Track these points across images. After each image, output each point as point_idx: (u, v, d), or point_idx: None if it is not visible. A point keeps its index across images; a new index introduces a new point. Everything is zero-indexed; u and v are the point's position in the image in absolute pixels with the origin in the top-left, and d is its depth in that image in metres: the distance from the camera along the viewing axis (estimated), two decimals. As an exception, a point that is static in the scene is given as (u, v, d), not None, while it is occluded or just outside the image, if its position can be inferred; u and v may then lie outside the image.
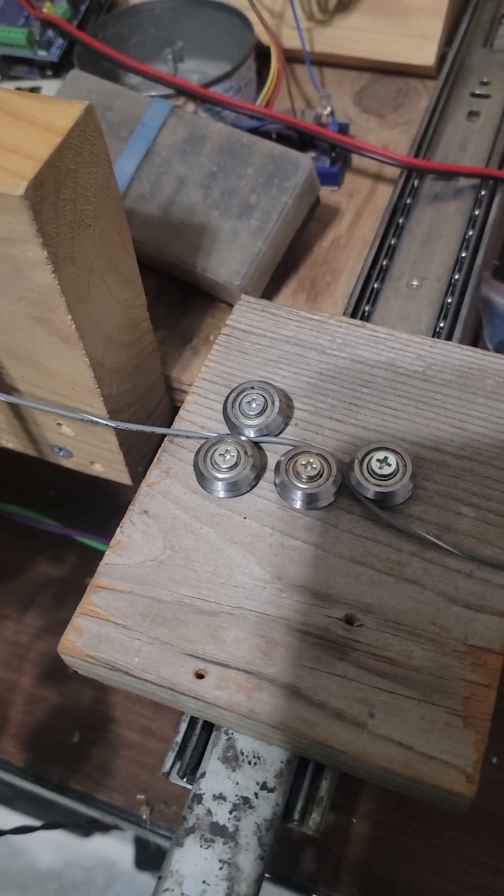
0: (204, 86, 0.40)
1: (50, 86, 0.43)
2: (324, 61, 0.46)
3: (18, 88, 0.43)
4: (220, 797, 0.23)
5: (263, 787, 0.23)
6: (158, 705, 0.39)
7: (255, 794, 0.23)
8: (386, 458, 0.26)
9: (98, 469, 0.35)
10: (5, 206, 0.22)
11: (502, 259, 0.48)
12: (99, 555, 0.42)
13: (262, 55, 0.45)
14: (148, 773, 0.37)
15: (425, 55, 0.44)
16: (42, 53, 0.43)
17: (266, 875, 0.33)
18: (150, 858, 0.98)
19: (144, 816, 0.36)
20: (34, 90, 0.43)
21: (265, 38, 0.44)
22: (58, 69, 0.44)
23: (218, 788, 0.23)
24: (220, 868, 0.22)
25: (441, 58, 0.44)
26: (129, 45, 0.46)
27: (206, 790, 0.23)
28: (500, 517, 0.26)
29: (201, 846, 0.23)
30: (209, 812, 0.23)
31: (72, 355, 0.27)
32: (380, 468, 0.26)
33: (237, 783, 0.24)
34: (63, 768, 0.38)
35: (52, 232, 0.23)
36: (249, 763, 0.24)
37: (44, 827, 0.76)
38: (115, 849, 1.07)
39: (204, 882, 0.22)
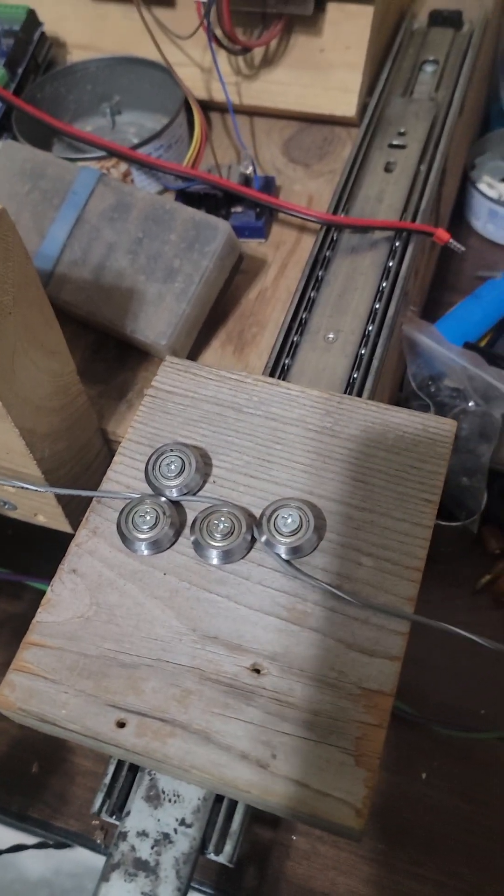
0: (133, 147, 0.42)
1: (-10, 147, 0.45)
2: (253, 112, 0.49)
3: (-41, 151, 0.45)
4: (143, 833, 0.26)
5: (182, 822, 0.26)
6: (110, 735, 0.41)
7: (175, 830, 0.26)
8: (290, 515, 0.28)
9: (41, 520, 0.37)
10: None
11: (425, 303, 0.51)
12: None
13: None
14: (101, 801, 0.40)
15: (347, 107, 0.46)
16: (-20, 117, 0.45)
17: (207, 890, 0.36)
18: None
19: (98, 840, 0.39)
20: (-26, 151, 0.45)
21: (191, 93, 0.46)
22: (-2, 131, 0.46)
23: (141, 825, 0.26)
24: (142, 899, 0.25)
25: (362, 108, 0.47)
26: (67, 101, 0.48)
27: (131, 828, 0.26)
28: (395, 566, 0.28)
29: (125, 880, 0.25)
30: (133, 848, 0.26)
31: (2, 426, 0.29)
32: (284, 525, 0.28)
33: (158, 820, 0.26)
34: (23, 797, 0.40)
35: (-30, 326, 0.25)
36: (170, 801, 0.26)
37: (37, 846, 0.78)
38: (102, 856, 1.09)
39: (127, 914, 0.24)
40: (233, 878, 0.37)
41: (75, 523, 0.36)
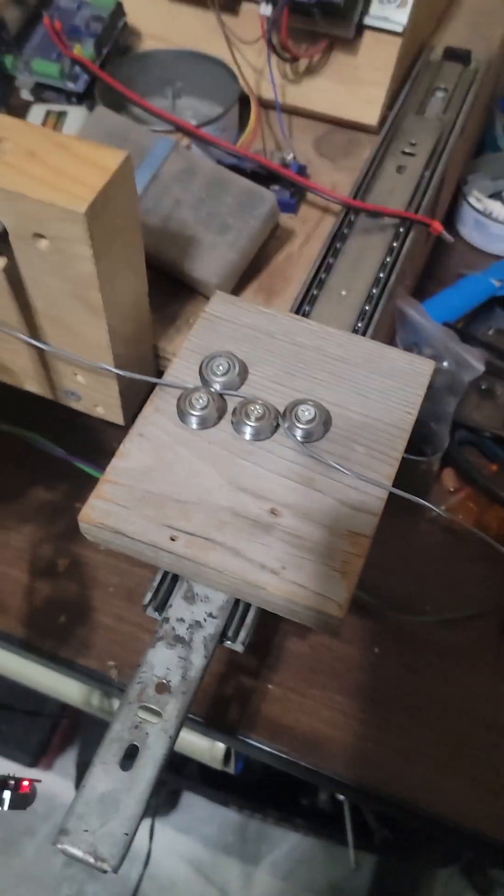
0: (196, 126, 0.51)
1: (75, 110, 0.54)
2: (293, 111, 0.58)
3: (49, 111, 0.54)
4: (181, 620, 0.35)
5: (210, 615, 0.35)
6: (129, 599, 0.51)
7: (204, 619, 0.35)
8: (307, 409, 0.38)
9: (100, 411, 0.46)
10: (70, 217, 0.33)
11: (416, 283, 0.61)
12: (85, 484, 0.54)
13: (245, 98, 0.57)
14: (119, 648, 0.49)
15: (371, 116, 0.56)
16: (70, 85, 0.54)
17: (199, 719, 0.46)
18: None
19: (113, 676, 0.48)
20: (62, 113, 0.54)
21: (248, 89, 0.56)
22: (82, 98, 0.55)
23: (179, 615, 0.35)
24: (179, 661, 0.34)
25: (383, 119, 0.57)
26: (138, 82, 0.58)
27: (172, 616, 0.35)
28: (380, 454, 0.38)
29: (167, 648, 0.35)
30: (174, 628, 0.35)
31: (97, 323, 0.39)
32: (303, 415, 0.38)
33: (192, 612, 0.36)
34: (53, 641, 0.49)
35: (97, 237, 0.34)
36: (201, 601, 0.36)
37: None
38: (58, 783, 1.17)
39: (167, 668, 0.34)
40: (220, 712, 0.47)
41: (127, 416, 0.46)
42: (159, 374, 0.46)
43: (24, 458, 0.55)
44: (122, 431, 0.45)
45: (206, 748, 0.56)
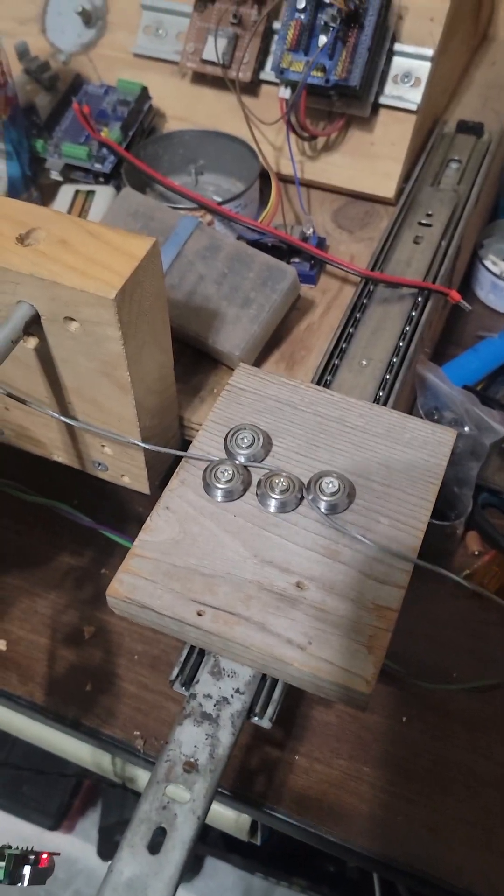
0: (219, 203, 0.53)
1: (103, 189, 0.57)
2: (311, 185, 0.60)
3: (78, 190, 0.57)
4: (208, 696, 0.35)
5: (237, 691, 0.36)
6: (153, 667, 0.51)
7: (231, 695, 0.35)
8: (331, 481, 0.39)
9: (126, 481, 0.47)
10: (100, 303, 0.35)
11: (435, 347, 0.62)
12: (111, 551, 0.55)
13: (265, 174, 0.59)
14: (143, 716, 0.49)
15: (387, 189, 0.58)
16: (98, 166, 0.57)
17: (225, 792, 0.45)
18: (114, 848, 1.07)
19: (139, 747, 0.48)
20: (90, 192, 0.57)
21: (268, 165, 0.58)
22: (109, 177, 0.57)
23: (207, 691, 0.36)
24: (206, 739, 0.34)
25: (399, 191, 0.58)
26: (162, 160, 0.60)
27: (199, 692, 0.35)
28: (404, 525, 0.38)
29: (194, 725, 0.35)
30: (201, 705, 0.35)
31: (124, 399, 0.40)
32: (327, 488, 0.39)
33: (220, 688, 0.36)
34: (77, 709, 0.49)
35: (125, 320, 0.36)
36: (228, 676, 0.36)
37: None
38: (77, 846, 1.15)
39: (195, 746, 0.34)
40: (245, 784, 0.46)
41: (153, 485, 0.46)
42: (185, 443, 0.47)
43: (53, 525, 0.55)
44: (147, 497, 0.46)
45: (232, 819, 0.55)
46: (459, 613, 0.53)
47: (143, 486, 0.47)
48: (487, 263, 0.69)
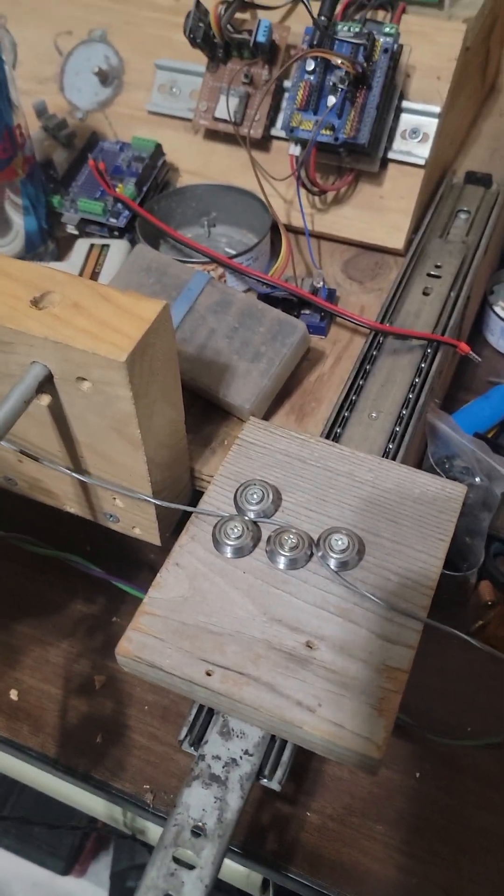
0: (231, 257, 0.54)
1: (117, 244, 0.58)
2: (322, 236, 0.61)
3: (93, 244, 0.58)
4: (216, 757, 0.35)
5: (246, 752, 0.35)
6: (164, 718, 0.50)
7: (241, 757, 0.35)
8: (341, 538, 0.39)
9: (137, 532, 0.47)
10: (111, 366, 0.35)
11: (446, 393, 0.63)
12: (123, 599, 0.55)
13: (276, 227, 0.60)
14: (153, 769, 0.48)
15: (396, 241, 0.59)
16: (112, 220, 0.58)
17: (235, 850, 0.45)
18: (126, 894, 1.05)
19: (149, 801, 0.47)
20: (105, 245, 0.58)
21: (278, 219, 0.59)
22: (123, 232, 0.59)
23: (215, 752, 0.35)
24: (215, 802, 0.34)
25: (409, 242, 0.59)
26: (175, 213, 0.62)
27: (208, 752, 0.35)
28: (414, 583, 0.38)
29: (203, 788, 0.34)
30: (209, 766, 0.35)
31: (135, 455, 0.40)
32: (336, 545, 0.39)
33: (228, 749, 0.35)
34: (87, 761, 0.49)
35: (136, 381, 0.36)
36: (237, 736, 0.36)
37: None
38: (89, 890, 1.14)
39: (203, 810, 0.34)
40: (256, 842, 0.46)
41: (163, 537, 0.47)
42: (196, 494, 0.47)
43: (65, 572, 0.56)
44: (159, 547, 0.47)
45: (243, 875, 0.54)
46: (473, 666, 0.52)
47: (153, 538, 0.47)
48: (497, 310, 0.70)
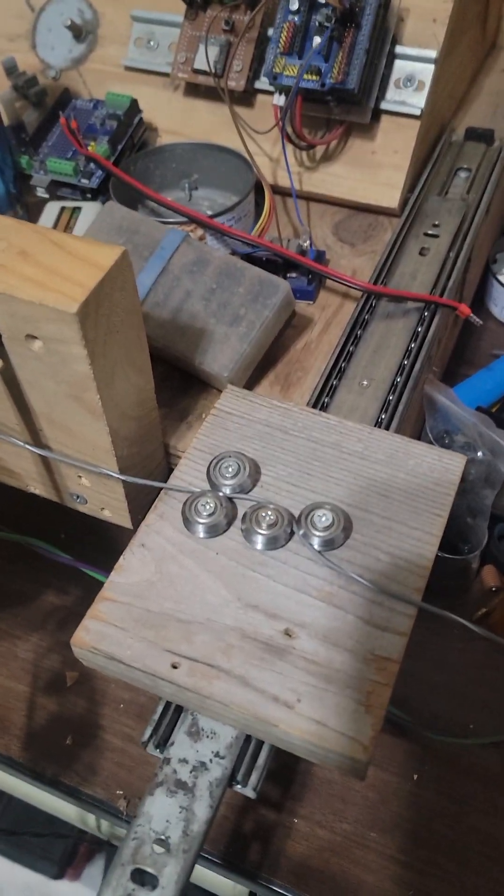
0: (211, 216, 0.50)
1: (89, 206, 0.54)
2: (310, 197, 0.57)
3: (63, 207, 0.54)
4: (183, 760, 0.31)
5: (216, 755, 0.31)
6: (140, 717, 0.46)
7: (210, 760, 0.31)
8: (325, 514, 0.35)
9: (107, 514, 0.43)
10: (61, 318, 0.31)
11: (447, 366, 0.58)
12: (98, 589, 0.50)
13: (261, 187, 0.56)
14: (127, 773, 0.44)
15: (390, 200, 0.54)
16: (84, 181, 0.54)
17: (217, 861, 0.41)
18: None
19: (122, 808, 0.43)
20: (76, 208, 0.54)
21: (263, 178, 0.55)
22: (96, 193, 0.54)
23: (182, 754, 0.31)
24: (180, 812, 0.30)
25: (404, 201, 0.55)
26: (154, 175, 0.57)
27: (174, 755, 0.31)
28: (407, 563, 0.34)
29: (167, 796, 0.30)
30: (175, 771, 0.31)
31: (96, 425, 0.36)
32: (320, 522, 0.34)
33: (197, 751, 0.31)
34: (56, 765, 0.45)
35: (91, 337, 0.32)
36: (207, 737, 0.32)
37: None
38: (82, 894, 1.10)
39: (167, 821, 0.30)
40: (239, 852, 0.42)
41: (135, 519, 0.43)
42: (169, 473, 0.43)
43: (35, 560, 0.52)
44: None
45: (228, 886, 0.50)
46: (475, 656, 0.48)
47: (124, 520, 0.43)
48: (501, 278, 0.65)
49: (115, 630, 0.32)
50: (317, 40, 0.48)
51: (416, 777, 0.44)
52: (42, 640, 0.50)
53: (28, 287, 0.31)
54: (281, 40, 0.49)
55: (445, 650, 0.48)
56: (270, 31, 0.53)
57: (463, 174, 0.58)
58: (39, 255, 0.33)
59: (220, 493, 0.36)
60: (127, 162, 0.55)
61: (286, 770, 0.44)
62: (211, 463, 0.37)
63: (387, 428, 0.42)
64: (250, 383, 0.46)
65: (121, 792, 0.44)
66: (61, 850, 1.09)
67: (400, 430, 0.43)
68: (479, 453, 0.48)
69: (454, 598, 0.51)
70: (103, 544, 0.52)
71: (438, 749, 0.44)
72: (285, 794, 0.43)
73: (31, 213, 0.56)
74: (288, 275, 0.50)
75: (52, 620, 0.51)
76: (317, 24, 0.48)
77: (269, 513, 0.35)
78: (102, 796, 0.44)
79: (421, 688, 0.46)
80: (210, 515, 0.35)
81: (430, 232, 0.52)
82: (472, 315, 0.47)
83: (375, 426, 0.42)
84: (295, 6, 0.48)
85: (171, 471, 0.45)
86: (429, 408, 0.51)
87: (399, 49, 0.52)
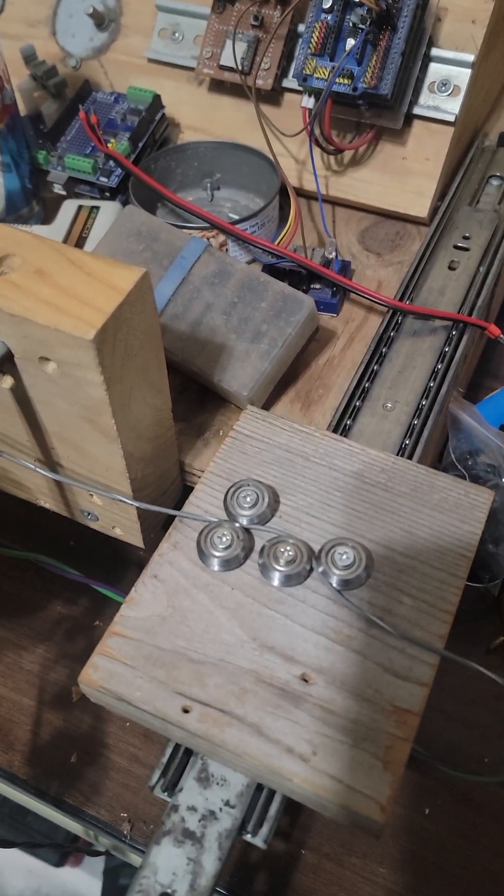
0: (233, 222, 0.48)
1: (108, 205, 0.52)
2: (337, 202, 0.55)
3: (81, 206, 0.52)
4: (192, 808, 0.30)
5: (227, 803, 0.30)
6: (147, 736, 0.46)
7: (220, 809, 0.30)
8: (346, 552, 0.33)
9: (118, 532, 0.42)
10: (77, 344, 0.30)
11: (469, 385, 0.57)
12: (107, 601, 0.49)
13: (285, 190, 0.54)
14: (132, 795, 0.43)
15: (420, 209, 0.52)
16: (103, 180, 0.52)
17: (222, 890, 0.40)
18: (118, 891, 1.02)
19: (125, 832, 0.42)
20: (95, 207, 0.52)
21: (289, 181, 0.53)
22: (115, 192, 0.53)
23: (191, 802, 0.30)
24: (188, 864, 0.29)
25: (434, 210, 0.53)
26: (175, 173, 0.55)
27: (182, 802, 0.30)
28: (430, 607, 0.33)
29: (174, 846, 0.29)
30: (183, 819, 0.30)
31: (110, 448, 0.35)
32: (340, 559, 0.33)
33: (207, 799, 0.30)
34: (60, 784, 0.44)
35: (108, 362, 0.31)
36: (218, 784, 0.31)
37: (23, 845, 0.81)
38: (84, 881, 1.11)
39: (173, 874, 0.29)
40: (245, 881, 0.41)
41: (146, 538, 0.41)
42: (187, 490, 0.42)
43: (43, 571, 0.51)
44: (151, 549, 0.41)
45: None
46: (493, 687, 0.47)
47: (136, 540, 0.41)
48: (530, 288, 0.63)
49: (125, 668, 0.31)
50: (350, 42, 0.46)
51: (427, 811, 0.43)
52: (49, 651, 0.49)
53: (44, 310, 0.30)
54: (312, 41, 0.47)
55: (463, 678, 0.47)
56: (301, 28, 0.51)
57: (495, 182, 0.55)
58: (56, 275, 0.31)
59: (237, 524, 0.35)
60: (147, 160, 0.53)
61: (294, 800, 0.43)
62: (228, 491, 0.36)
63: (411, 455, 0.40)
64: (270, 400, 0.44)
65: (125, 814, 0.43)
66: (64, 836, 1.09)
67: (423, 456, 0.41)
68: (503, 479, 0.46)
69: (472, 623, 0.49)
70: (113, 553, 0.51)
71: (452, 783, 0.43)
72: (293, 822, 0.43)
73: (49, 209, 0.55)
74: (312, 286, 0.48)
75: (59, 632, 0.50)
76: (350, 24, 0.46)
77: (289, 548, 0.33)
78: (106, 818, 0.43)
79: (435, 717, 0.45)
80: (226, 548, 0.34)
81: (460, 244, 0.50)
82: (502, 335, 0.45)
83: (399, 452, 0.40)
84: (328, 4, 0.46)
85: (186, 489, 0.43)
86: (452, 427, 0.49)
87: (435, 52, 0.50)
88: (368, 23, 0.44)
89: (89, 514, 0.42)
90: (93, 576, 0.47)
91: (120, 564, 0.51)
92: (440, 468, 0.49)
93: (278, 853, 0.42)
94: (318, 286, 0.48)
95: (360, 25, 0.45)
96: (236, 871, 0.41)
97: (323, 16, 0.47)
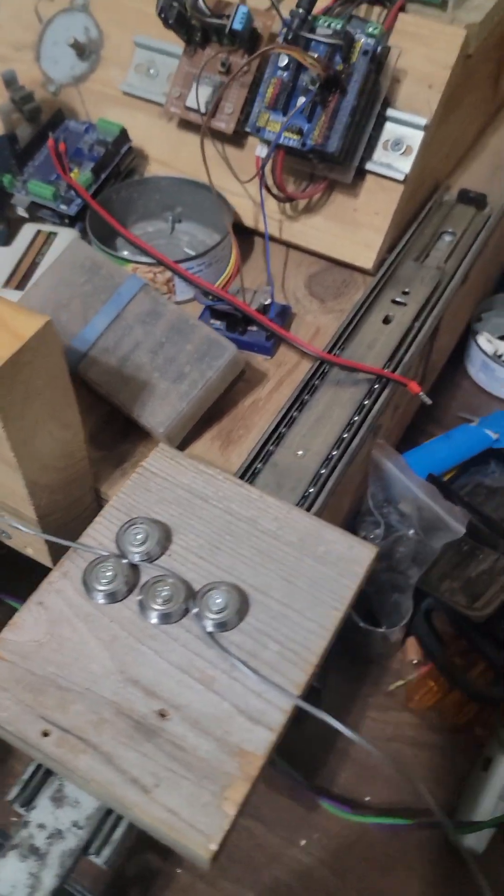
0: (178, 261, 0.50)
1: (66, 232, 0.54)
2: (289, 245, 0.57)
3: (40, 230, 0.54)
4: (41, 826, 0.32)
5: (75, 824, 0.32)
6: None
7: (68, 828, 0.32)
8: (219, 596, 0.35)
9: (30, 552, 0.44)
10: (-27, 384, 0.32)
11: (413, 425, 0.58)
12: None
13: (243, 229, 0.56)
14: None
15: (366, 260, 0.54)
16: (63, 207, 0.54)
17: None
18: None
19: (13, 837, 0.44)
20: (52, 233, 0.54)
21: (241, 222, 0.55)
22: (74, 220, 0.55)
23: (42, 819, 0.32)
24: (28, 878, 0.31)
25: (380, 263, 0.55)
26: (137, 204, 0.57)
27: (34, 819, 0.32)
28: (295, 655, 0.34)
29: (19, 860, 0.31)
30: (31, 836, 0.32)
31: (12, 476, 0.37)
32: (213, 603, 0.35)
33: (57, 818, 0.32)
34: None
35: (5, 402, 0.33)
36: (71, 805, 0.33)
37: None
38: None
39: (13, 886, 0.31)
40: (118, 894, 0.43)
41: (55, 560, 0.43)
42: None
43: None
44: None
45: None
46: (386, 729, 0.48)
47: (46, 560, 0.43)
48: (480, 340, 0.65)
49: (-3, 688, 0.33)
50: (301, 100, 0.48)
51: (303, 843, 0.44)
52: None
53: None
54: (267, 94, 0.49)
55: (359, 717, 0.49)
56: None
57: (447, 238, 0.57)
58: (-39, 317, 0.33)
59: (124, 561, 0.37)
60: (110, 190, 0.56)
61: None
62: (122, 526, 0.37)
63: (312, 503, 0.42)
64: (192, 436, 0.46)
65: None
66: None
67: (327, 508, 0.43)
68: (411, 531, 0.48)
69: (375, 665, 0.51)
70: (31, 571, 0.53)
71: (330, 818, 0.45)
72: (173, 844, 0.44)
73: (13, 229, 0.57)
74: (249, 328, 0.50)
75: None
76: (304, 83, 0.48)
77: (167, 587, 0.35)
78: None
79: (325, 755, 0.47)
80: (109, 583, 0.36)
81: (398, 299, 0.52)
82: (422, 394, 0.47)
83: (301, 500, 0.42)
84: (284, 62, 0.48)
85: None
86: (374, 474, 0.51)
87: (391, 112, 0.52)
88: (317, 84, 0.46)
89: (3, 532, 0.44)
90: (14, 592, 0.49)
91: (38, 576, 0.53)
92: (360, 512, 0.51)
93: (154, 869, 0.44)
94: (254, 328, 0.49)
95: (311, 87, 0.46)
96: (110, 883, 0.43)
97: (279, 72, 0.49)
